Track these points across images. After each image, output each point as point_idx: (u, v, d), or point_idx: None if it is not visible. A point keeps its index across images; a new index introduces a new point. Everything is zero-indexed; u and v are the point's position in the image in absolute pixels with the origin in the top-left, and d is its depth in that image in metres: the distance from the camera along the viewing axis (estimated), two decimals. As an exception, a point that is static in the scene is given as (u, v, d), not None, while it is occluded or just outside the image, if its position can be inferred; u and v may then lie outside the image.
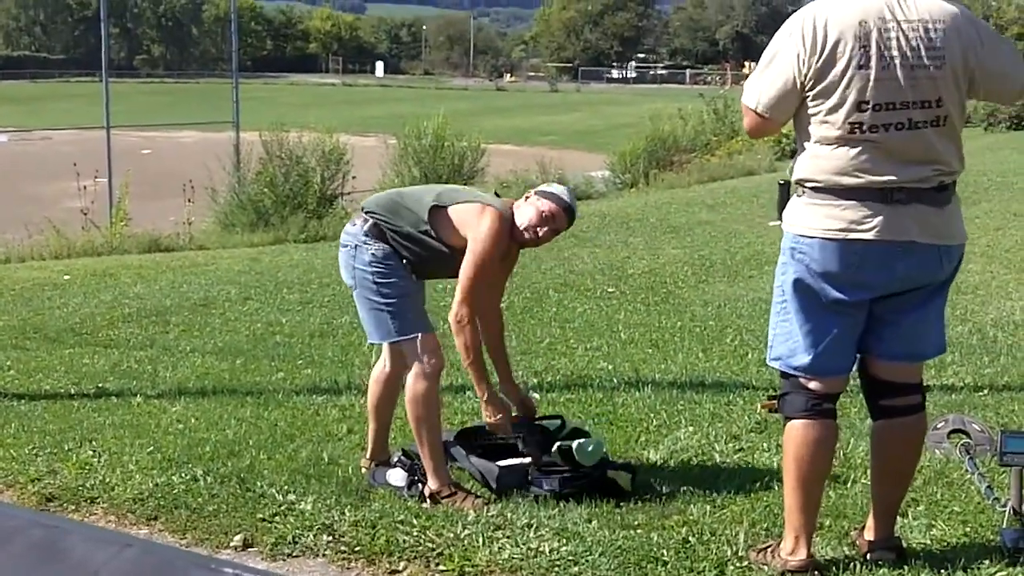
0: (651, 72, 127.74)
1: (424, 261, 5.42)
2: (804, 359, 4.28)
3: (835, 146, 4.10)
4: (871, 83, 4.03)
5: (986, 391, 7.27)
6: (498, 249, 5.34)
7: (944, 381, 7.48)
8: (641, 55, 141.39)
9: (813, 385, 4.31)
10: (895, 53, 4.04)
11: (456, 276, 5.39)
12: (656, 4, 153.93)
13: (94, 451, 6.19)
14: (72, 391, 7.84)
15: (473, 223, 5.31)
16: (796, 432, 4.31)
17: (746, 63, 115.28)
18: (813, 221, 4.15)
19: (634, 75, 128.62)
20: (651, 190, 23.60)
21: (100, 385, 8.00)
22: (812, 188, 4.17)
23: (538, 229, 5.43)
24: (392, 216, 5.42)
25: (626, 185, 25.35)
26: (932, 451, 5.81)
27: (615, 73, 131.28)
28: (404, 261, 5.42)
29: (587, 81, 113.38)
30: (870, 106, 4.04)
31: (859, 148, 4.08)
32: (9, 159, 37.84)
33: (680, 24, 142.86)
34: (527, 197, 5.55)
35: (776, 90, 4.17)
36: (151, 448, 6.24)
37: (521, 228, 5.44)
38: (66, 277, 13.00)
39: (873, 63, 4.03)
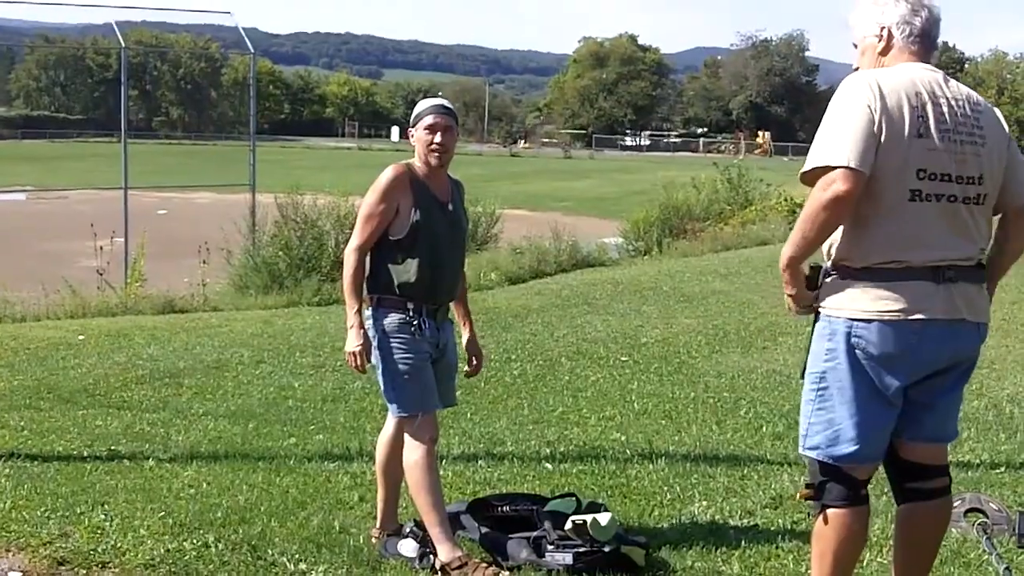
0: (665, 140, 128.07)
1: (422, 257, 5.57)
2: (849, 449, 4.23)
3: (890, 221, 4.08)
4: (928, 152, 4.06)
5: (1003, 469, 7.23)
6: (381, 191, 5.54)
7: (960, 458, 7.43)
8: (655, 123, 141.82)
9: (855, 473, 4.28)
10: (947, 126, 4.09)
11: (456, 255, 5.82)
12: (670, 73, 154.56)
13: (106, 515, 6.18)
14: (85, 453, 7.82)
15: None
16: (838, 521, 4.26)
17: (760, 132, 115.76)
18: (869, 304, 4.11)
19: (648, 143, 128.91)
20: (664, 258, 23.58)
21: (113, 447, 7.99)
22: (862, 269, 4.13)
23: (432, 141, 5.61)
24: (371, 273, 5.64)
25: (639, 253, 25.31)
26: (948, 529, 5.77)
27: (629, 141, 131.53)
28: (422, 310, 5.55)
29: (601, 148, 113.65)
30: (927, 174, 4.06)
31: (914, 222, 4.07)
32: (26, 217, 38.03)
33: (694, 93, 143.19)
34: (412, 136, 5.73)
35: (861, 141, 4.01)
36: (163, 513, 6.22)
37: (424, 156, 5.65)
38: (81, 337, 13.00)
39: (930, 133, 4.06)
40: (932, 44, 4.34)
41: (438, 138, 5.58)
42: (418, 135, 5.62)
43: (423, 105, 5.73)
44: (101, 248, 18.03)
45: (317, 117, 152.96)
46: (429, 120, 5.60)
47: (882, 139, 4.02)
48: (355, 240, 5.56)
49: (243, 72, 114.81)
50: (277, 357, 11.66)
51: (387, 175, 5.53)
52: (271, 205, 20.80)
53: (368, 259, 5.61)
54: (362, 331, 5.50)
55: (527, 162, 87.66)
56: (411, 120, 5.70)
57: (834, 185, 3.96)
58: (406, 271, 5.52)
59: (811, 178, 4.08)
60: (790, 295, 4.29)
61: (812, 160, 4.06)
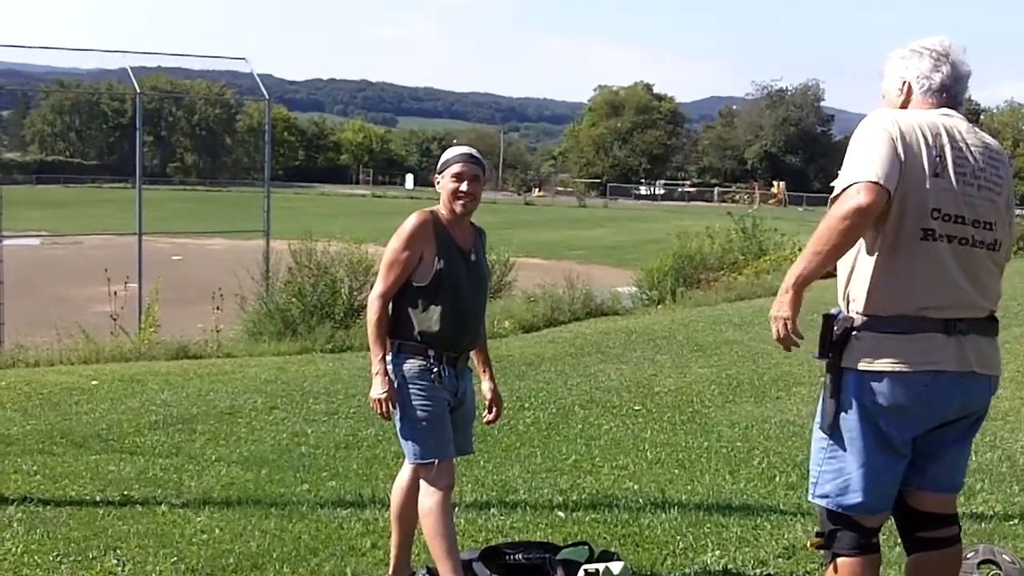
0: (679, 189, 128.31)
1: (444, 305, 5.58)
2: (858, 498, 4.26)
3: (902, 261, 4.10)
4: (944, 192, 4.08)
5: (1016, 520, 7.20)
6: (406, 238, 5.54)
7: (973, 509, 7.41)
8: (670, 172, 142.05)
9: (864, 522, 4.29)
10: (964, 170, 4.12)
11: (478, 304, 5.84)
12: (685, 122, 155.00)
13: (118, 560, 6.19)
14: (97, 498, 7.82)
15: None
16: (848, 569, 4.29)
17: (774, 182, 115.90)
18: (881, 356, 4.12)
19: (662, 192, 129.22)
20: (678, 307, 23.55)
21: (125, 492, 7.99)
22: (876, 320, 4.14)
23: (459, 188, 5.63)
24: (393, 317, 5.63)
25: (653, 302, 25.25)
26: (962, 581, 5.75)
27: (643, 190, 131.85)
28: (442, 357, 5.57)
29: (615, 197, 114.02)
30: (941, 215, 4.08)
31: (926, 262, 4.09)
32: (40, 262, 38.12)
33: (709, 143, 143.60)
34: (438, 183, 5.74)
35: (886, 162, 4.03)
36: (175, 558, 6.24)
37: (450, 204, 5.66)
38: (94, 382, 13.01)
39: (947, 174, 4.09)
40: (952, 100, 4.35)
41: (464, 186, 5.60)
42: (444, 182, 5.64)
43: (451, 153, 5.75)
44: (115, 293, 18.04)
45: (332, 164, 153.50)
46: (457, 168, 5.62)
47: (903, 168, 4.04)
48: (379, 287, 5.56)
49: (258, 118, 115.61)
50: (290, 403, 11.66)
51: (411, 222, 5.54)
52: (285, 252, 20.84)
53: (391, 304, 5.63)
54: (387, 378, 5.50)
55: (541, 210, 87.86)
56: (438, 167, 5.71)
57: (858, 195, 3.96)
58: (428, 318, 5.53)
59: None
60: (787, 316, 4.18)
61: (839, 184, 4.07)
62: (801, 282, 4.13)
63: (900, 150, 4.05)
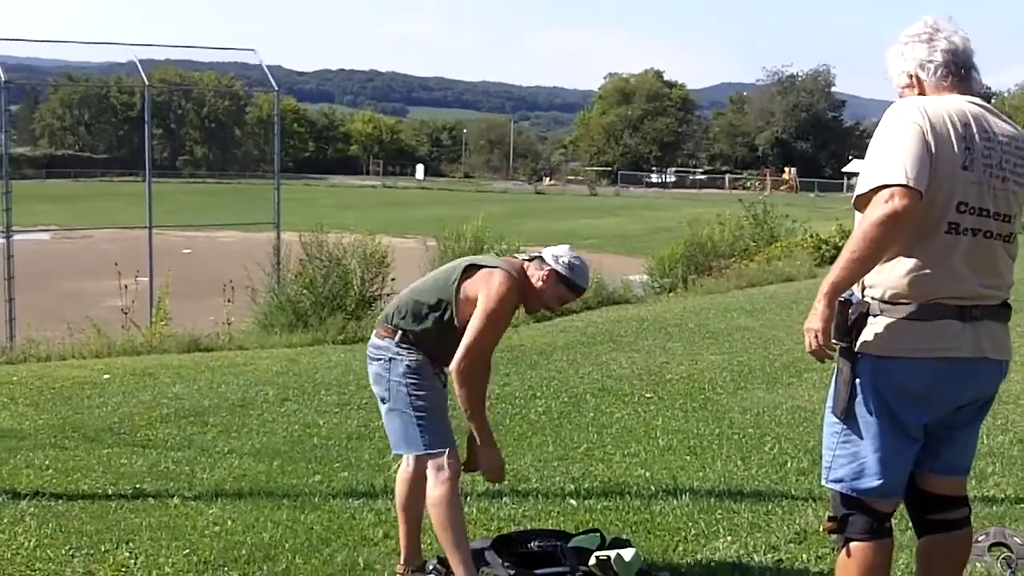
0: (690, 177, 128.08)
1: (452, 345, 5.50)
2: (874, 482, 4.25)
3: (922, 252, 4.07)
4: (971, 185, 4.06)
5: (1028, 504, 7.19)
6: (508, 309, 5.51)
7: (985, 492, 7.40)
8: (681, 160, 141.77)
9: (878, 506, 4.29)
10: (991, 162, 4.09)
11: None
12: (696, 109, 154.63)
13: (131, 553, 6.21)
14: (110, 491, 7.83)
15: (483, 285, 5.46)
16: (861, 554, 4.28)
17: (785, 168, 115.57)
18: (896, 341, 4.11)
19: (673, 179, 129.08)
20: (690, 295, 23.54)
21: (137, 486, 8.00)
22: (892, 306, 4.12)
23: (551, 307, 5.74)
24: (417, 321, 5.59)
25: (664, 290, 25.23)
26: (972, 564, 5.74)
27: (654, 177, 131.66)
28: (436, 365, 5.59)
29: (626, 185, 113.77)
30: (967, 208, 4.06)
31: (946, 255, 4.06)
32: (51, 257, 38.19)
33: (720, 130, 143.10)
34: (544, 272, 5.58)
35: (918, 161, 3.96)
36: (187, 550, 6.25)
37: (537, 299, 5.64)
38: (106, 376, 13.02)
39: (975, 166, 4.06)
40: (966, 73, 4.30)
41: (557, 305, 5.72)
42: (552, 286, 5.56)
43: (581, 274, 5.65)
44: (126, 287, 18.07)
45: (342, 155, 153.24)
46: (569, 296, 5.66)
47: (933, 161, 4.00)
48: (481, 344, 5.46)
49: (267, 110, 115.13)
50: (302, 395, 11.67)
51: (509, 288, 5.45)
52: (295, 243, 20.86)
53: (422, 309, 5.60)
54: (496, 450, 5.78)
55: (552, 200, 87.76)
56: (565, 270, 5.56)
57: (892, 201, 3.89)
58: (444, 342, 5.49)
59: (865, 202, 4.02)
60: (818, 328, 4.10)
61: (867, 182, 4.00)
62: (834, 291, 4.07)
63: (931, 142, 3.99)
